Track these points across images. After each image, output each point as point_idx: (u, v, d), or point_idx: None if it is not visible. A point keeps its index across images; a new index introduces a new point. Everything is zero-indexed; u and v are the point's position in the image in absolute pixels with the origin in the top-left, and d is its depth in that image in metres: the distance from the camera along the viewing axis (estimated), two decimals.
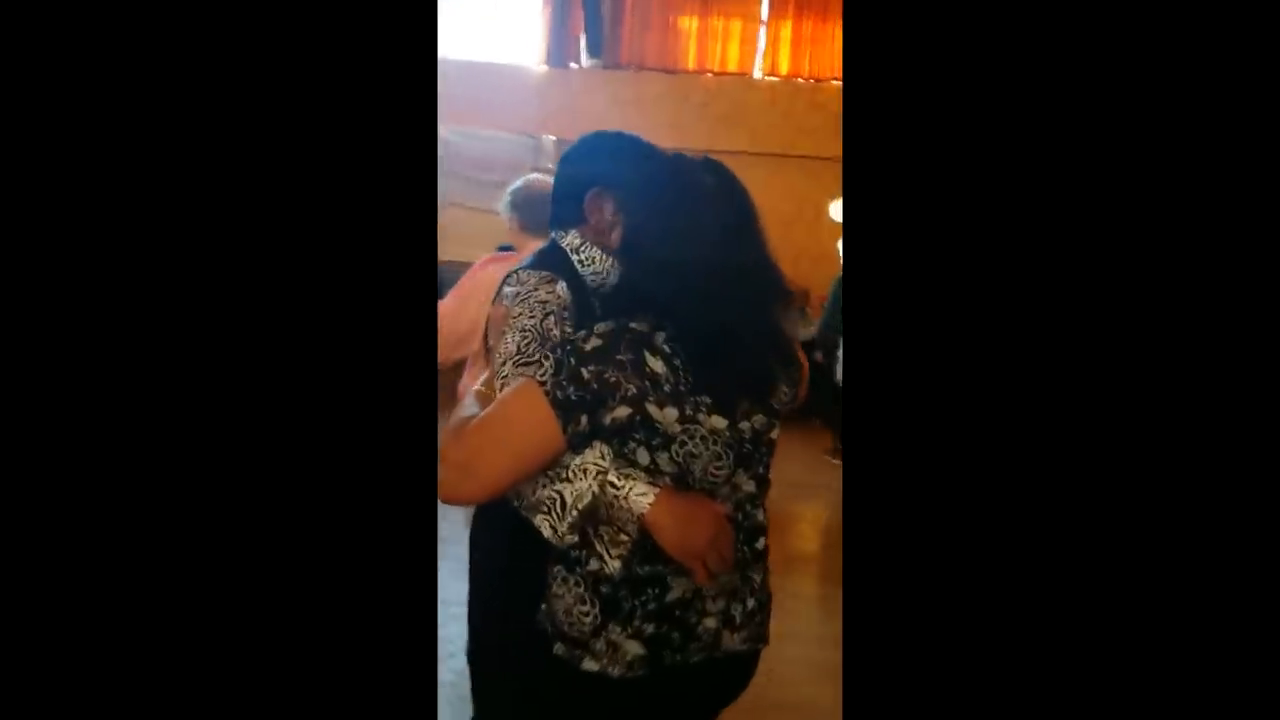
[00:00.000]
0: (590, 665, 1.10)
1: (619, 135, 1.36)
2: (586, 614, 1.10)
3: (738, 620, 1.15)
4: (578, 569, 1.10)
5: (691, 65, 7.47)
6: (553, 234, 1.35)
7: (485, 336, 1.34)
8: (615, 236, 1.21)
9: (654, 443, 1.05)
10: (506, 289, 1.26)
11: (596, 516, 1.06)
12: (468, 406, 1.13)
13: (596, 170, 1.30)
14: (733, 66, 7.47)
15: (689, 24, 7.48)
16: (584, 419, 1.02)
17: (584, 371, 1.01)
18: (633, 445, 1.05)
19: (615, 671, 1.09)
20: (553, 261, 1.28)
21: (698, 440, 1.05)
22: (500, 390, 1.12)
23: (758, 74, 7.47)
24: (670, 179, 1.15)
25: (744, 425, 1.08)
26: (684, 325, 1.05)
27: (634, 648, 1.09)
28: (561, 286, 1.23)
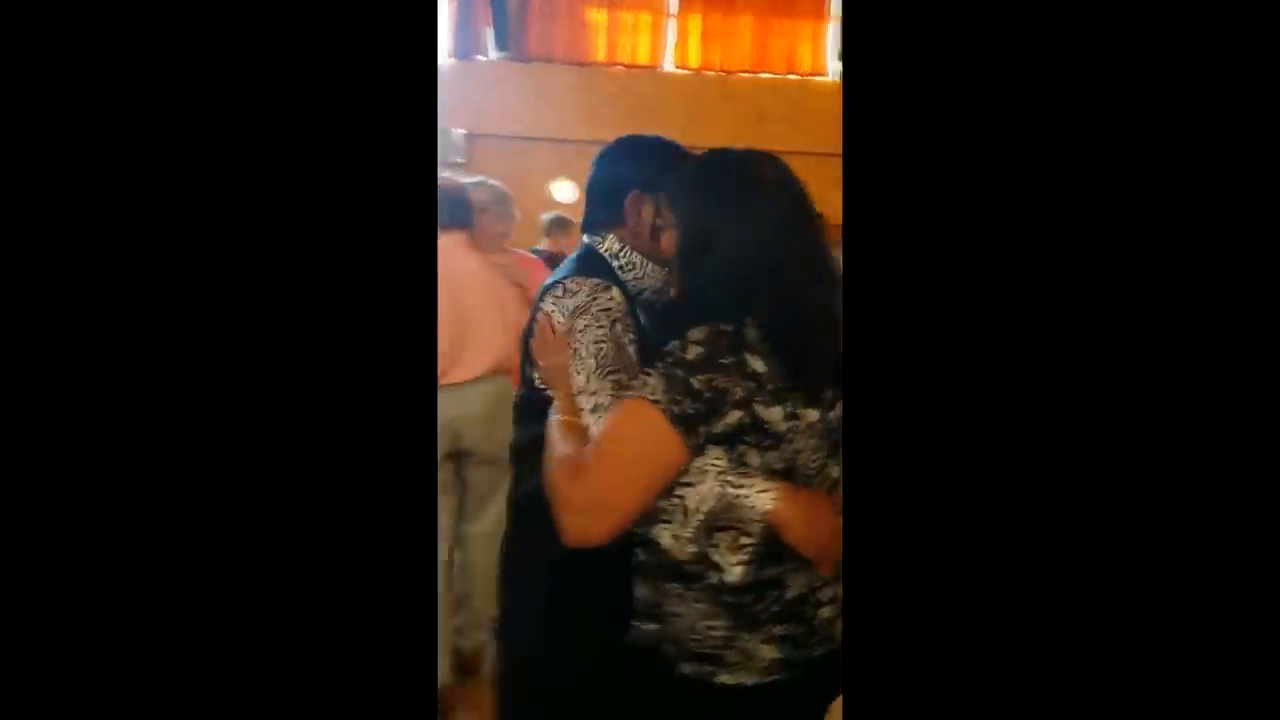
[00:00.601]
0: (726, 678, 1.06)
1: (655, 138, 1.33)
2: (715, 628, 1.06)
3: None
4: (696, 584, 1.06)
5: (601, 58, 7.43)
6: (587, 239, 1.30)
7: (526, 354, 1.27)
8: (667, 241, 1.15)
9: (765, 444, 1.02)
10: (555, 302, 1.20)
11: (718, 521, 1.03)
12: (558, 443, 1.07)
13: (632, 173, 1.27)
14: (643, 59, 7.45)
15: (598, 17, 7.43)
16: (702, 430, 0.99)
17: (694, 382, 0.98)
18: (742, 449, 1.02)
19: (750, 680, 1.06)
20: (593, 267, 1.24)
21: (801, 435, 1.03)
22: (588, 407, 1.10)
23: (668, 67, 7.46)
24: (723, 174, 1.12)
25: (831, 415, 1.07)
26: (766, 321, 1.02)
27: (768, 652, 1.07)
28: (617, 292, 1.19)
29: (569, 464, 1.03)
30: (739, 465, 1.03)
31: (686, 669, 1.08)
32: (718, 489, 1.00)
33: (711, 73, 7.38)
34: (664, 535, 1.03)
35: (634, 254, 1.25)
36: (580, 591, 1.17)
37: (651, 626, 1.10)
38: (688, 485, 1.01)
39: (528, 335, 1.26)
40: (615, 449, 1.01)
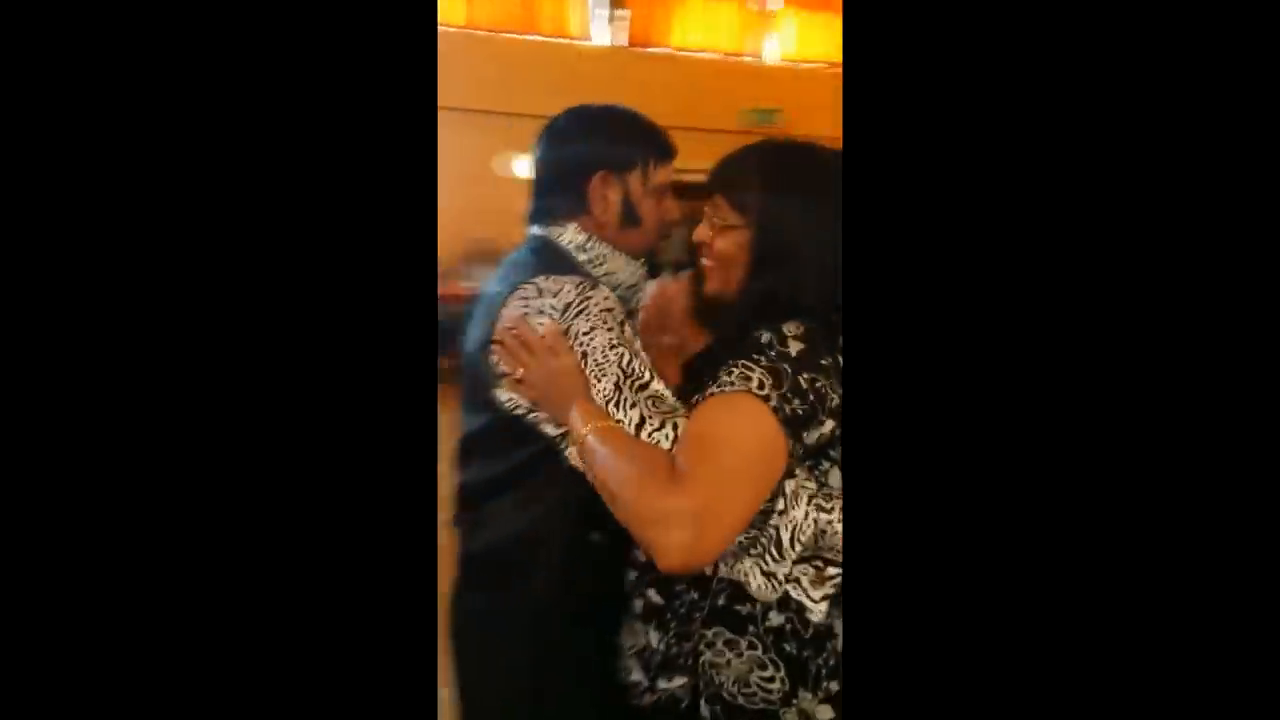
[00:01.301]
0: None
1: (613, 108, 1.13)
2: (770, 680, 0.89)
3: None
4: (753, 627, 0.87)
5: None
6: (538, 230, 1.11)
7: (479, 376, 1.06)
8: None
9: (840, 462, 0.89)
10: (527, 304, 1.00)
11: (808, 553, 0.87)
12: (619, 456, 0.87)
13: (595, 151, 1.08)
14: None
15: None
16: (804, 436, 0.85)
17: (802, 380, 0.85)
18: (826, 465, 0.88)
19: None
20: (553, 263, 1.06)
21: None
22: (624, 415, 0.92)
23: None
24: (793, 165, 0.99)
25: None
26: (830, 319, 0.89)
27: (825, 713, 0.91)
28: (608, 290, 1.02)
29: (659, 472, 0.84)
30: (824, 486, 0.89)
31: None
32: (814, 514, 0.87)
33: (481, 31, 7.15)
34: (753, 575, 0.87)
35: (602, 245, 1.10)
36: (559, 653, 1.02)
37: (680, 681, 0.93)
38: (780, 514, 0.87)
39: (480, 350, 1.06)
40: (719, 451, 0.84)
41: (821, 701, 0.92)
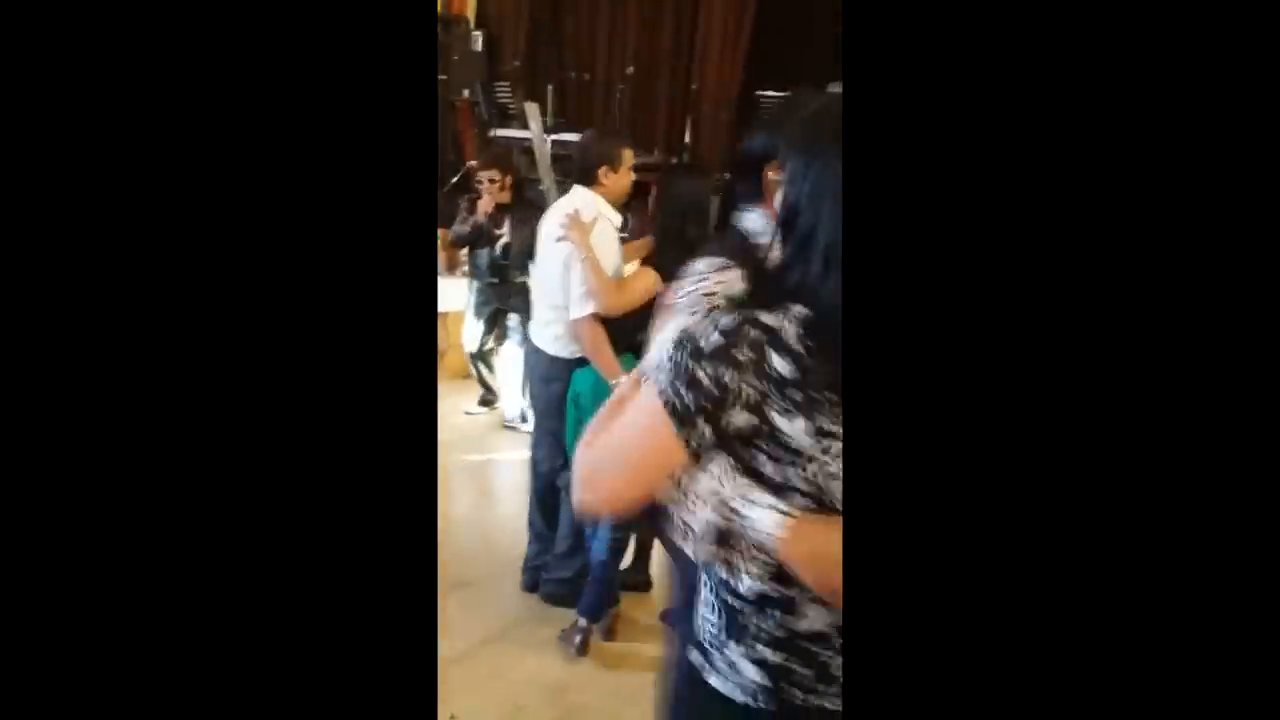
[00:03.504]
0: (715, 681, 1.01)
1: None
2: (715, 625, 1.01)
3: None
4: (713, 574, 0.98)
5: None
6: (739, 213, 1.24)
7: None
8: (773, 196, 1.05)
9: (782, 458, 0.89)
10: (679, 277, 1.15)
11: (730, 541, 0.93)
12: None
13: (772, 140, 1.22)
14: None
15: None
16: (706, 429, 0.88)
17: (700, 374, 0.87)
18: (761, 458, 0.90)
19: (739, 697, 0.99)
20: (732, 247, 1.18)
21: (836, 459, 0.88)
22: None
23: None
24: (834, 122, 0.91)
25: None
26: (813, 319, 0.88)
27: (753, 674, 0.98)
28: (736, 274, 1.10)
29: (589, 432, 0.99)
30: (753, 477, 0.91)
31: (692, 655, 1.04)
32: (718, 520, 0.91)
33: None
34: (685, 548, 0.95)
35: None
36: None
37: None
38: (690, 511, 0.91)
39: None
40: (616, 433, 0.95)
41: (750, 661, 0.98)
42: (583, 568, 2.71)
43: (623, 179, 2.63)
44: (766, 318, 0.89)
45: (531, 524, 2.89)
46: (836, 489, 0.89)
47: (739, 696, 0.99)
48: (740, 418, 0.88)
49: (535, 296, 2.75)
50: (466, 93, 6.10)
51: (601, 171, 2.58)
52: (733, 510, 0.90)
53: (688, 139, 6.44)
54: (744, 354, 0.87)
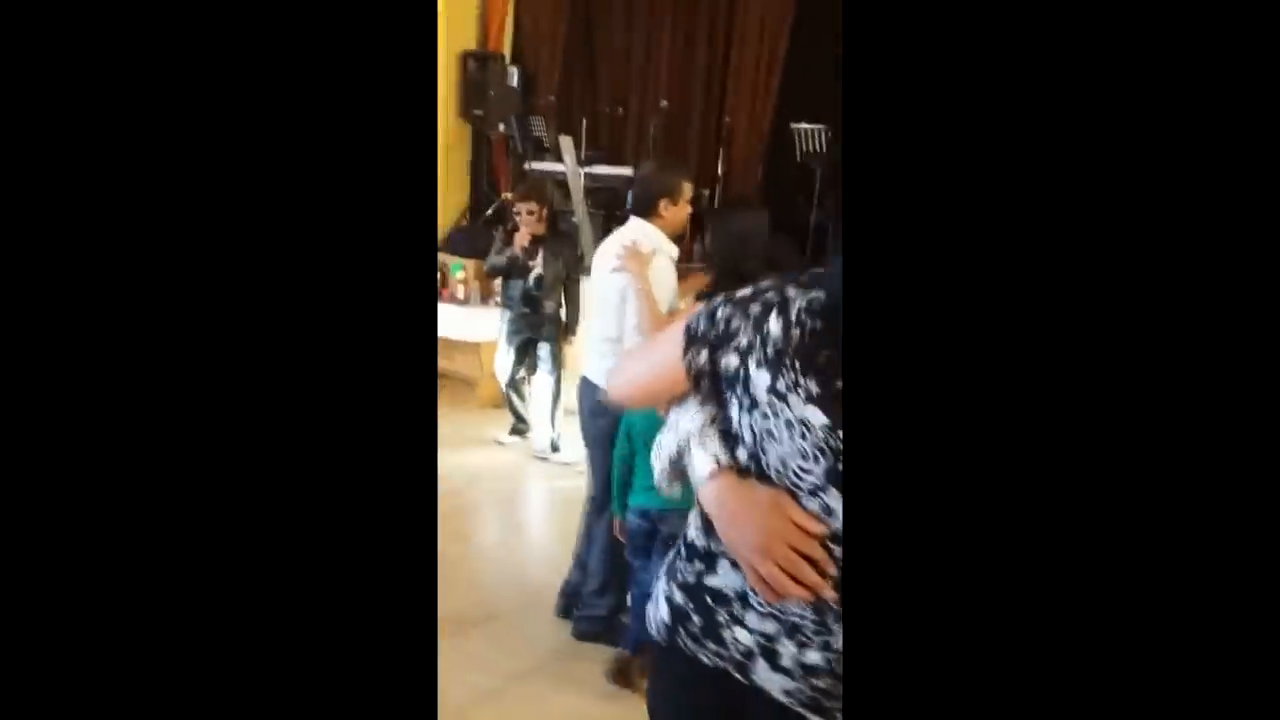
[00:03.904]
0: (651, 608, 1.12)
1: None
2: (664, 561, 1.14)
3: (787, 666, 0.98)
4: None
5: None
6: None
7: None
8: None
9: (745, 404, 0.99)
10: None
11: (681, 474, 1.06)
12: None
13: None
14: None
15: None
16: (704, 355, 1.02)
17: (719, 312, 1.02)
18: (733, 403, 1.01)
19: (653, 627, 1.11)
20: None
21: (780, 422, 0.95)
22: None
23: None
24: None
25: (834, 433, 0.92)
26: (823, 299, 0.98)
27: (663, 609, 1.09)
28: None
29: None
30: (721, 414, 1.04)
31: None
32: (672, 449, 1.05)
33: None
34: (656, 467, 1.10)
35: None
36: None
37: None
38: (666, 431, 1.07)
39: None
40: (651, 340, 1.11)
41: (664, 597, 1.10)
42: (615, 606, 2.68)
43: (681, 211, 2.62)
44: (790, 290, 0.99)
45: (577, 553, 2.88)
46: (773, 455, 0.96)
47: (652, 628, 1.11)
48: (731, 359, 1.00)
49: (588, 328, 2.76)
50: (502, 126, 6.22)
51: (662, 204, 2.56)
52: (687, 444, 1.03)
53: (720, 171, 6.50)
54: (755, 309, 0.99)
